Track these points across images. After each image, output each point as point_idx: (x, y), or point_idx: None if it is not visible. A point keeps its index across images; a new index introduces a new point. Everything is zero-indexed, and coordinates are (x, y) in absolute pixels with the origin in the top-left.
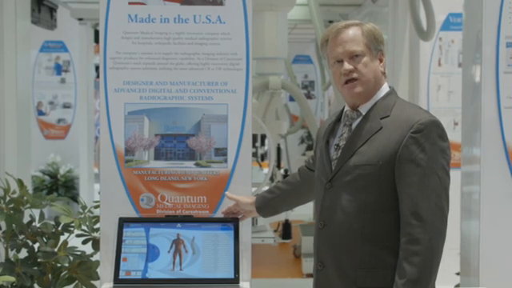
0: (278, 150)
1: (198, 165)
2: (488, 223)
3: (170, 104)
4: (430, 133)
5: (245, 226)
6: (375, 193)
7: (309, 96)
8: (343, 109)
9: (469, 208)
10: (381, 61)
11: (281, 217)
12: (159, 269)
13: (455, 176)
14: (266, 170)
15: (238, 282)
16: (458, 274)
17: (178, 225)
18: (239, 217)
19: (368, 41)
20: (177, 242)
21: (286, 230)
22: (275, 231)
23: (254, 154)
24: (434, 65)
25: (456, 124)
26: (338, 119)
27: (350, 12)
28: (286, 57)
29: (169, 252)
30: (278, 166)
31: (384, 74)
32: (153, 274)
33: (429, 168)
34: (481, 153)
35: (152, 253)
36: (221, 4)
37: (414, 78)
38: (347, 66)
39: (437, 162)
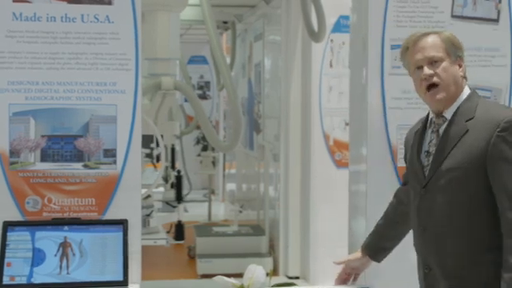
0: (173, 150)
1: (86, 166)
2: (372, 221)
3: (58, 104)
4: None
5: (134, 228)
6: (469, 193)
7: (204, 96)
8: (428, 115)
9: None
10: (460, 66)
11: (173, 218)
12: (45, 273)
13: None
14: None
15: (127, 285)
16: None
17: (66, 227)
18: (354, 275)
19: (447, 47)
20: (64, 245)
21: (178, 232)
22: (168, 232)
23: (149, 155)
24: (325, 66)
25: (347, 124)
26: (425, 126)
27: (244, 13)
28: (179, 57)
29: (55, 255)
30: (173, 167)
31: (465, 77)
32: (38, 278)
33: None
34: (367, 152)
35: (38, 257)
36: (109, 4)
37: (307, 79)
38: (427, 70)
39: None
